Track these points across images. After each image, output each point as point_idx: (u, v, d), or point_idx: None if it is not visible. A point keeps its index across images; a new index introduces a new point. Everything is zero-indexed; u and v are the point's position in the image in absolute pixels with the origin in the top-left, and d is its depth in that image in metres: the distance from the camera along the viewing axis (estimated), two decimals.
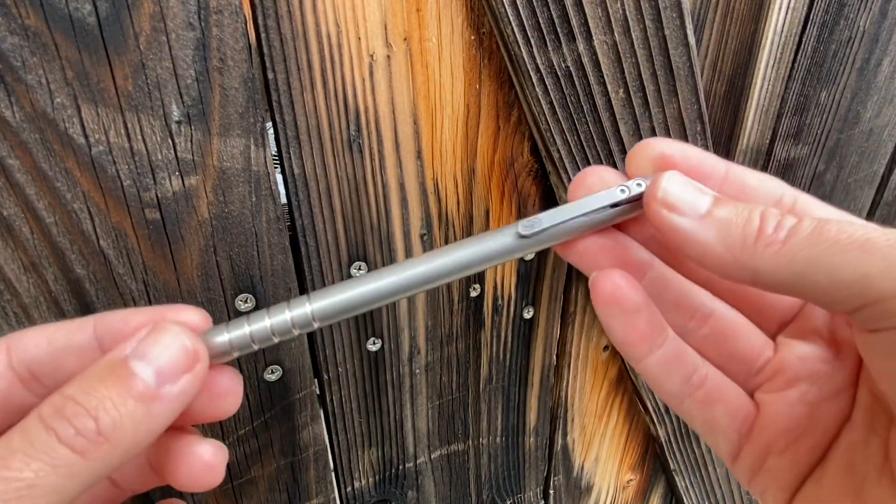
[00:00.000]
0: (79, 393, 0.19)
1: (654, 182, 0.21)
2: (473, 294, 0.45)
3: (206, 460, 0.23)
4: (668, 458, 0.60)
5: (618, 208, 0.23)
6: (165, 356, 0.20)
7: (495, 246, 0.23)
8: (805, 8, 0.43)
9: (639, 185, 0.22)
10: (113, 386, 0.19)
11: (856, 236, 0.18)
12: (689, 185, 0.21)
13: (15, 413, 0.22)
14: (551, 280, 0.47)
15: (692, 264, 0.25)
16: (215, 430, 0.39)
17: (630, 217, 0.23)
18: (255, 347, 0.23)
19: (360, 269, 0.39)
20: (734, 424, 0.24)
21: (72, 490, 0.18)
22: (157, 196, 0.31)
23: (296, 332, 0.23)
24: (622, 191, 0.22)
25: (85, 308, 0.32)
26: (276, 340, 0.23)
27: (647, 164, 0.23)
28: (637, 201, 0.23)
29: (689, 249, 0.21)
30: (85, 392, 0.19)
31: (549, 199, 0.43)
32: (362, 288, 0.23)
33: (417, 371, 0.46)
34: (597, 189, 0.23)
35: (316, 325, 0.23)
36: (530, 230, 0.23)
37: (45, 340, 0.22)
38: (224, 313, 0.36)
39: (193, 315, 0.22)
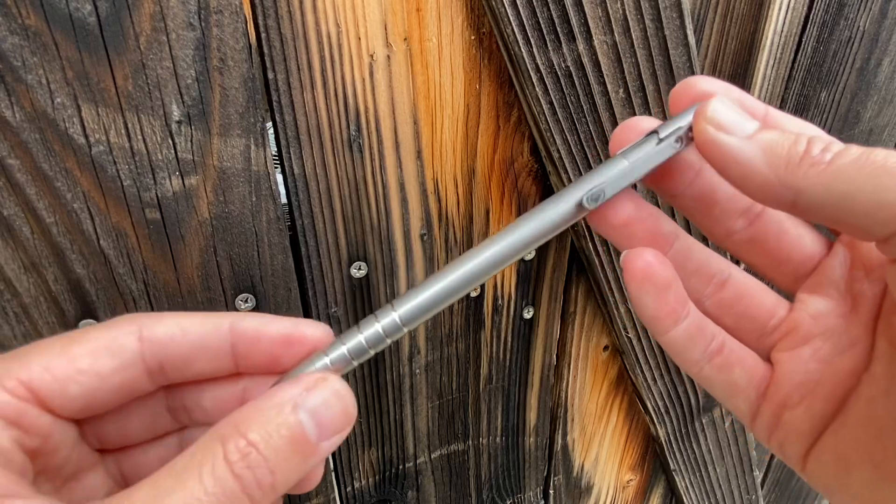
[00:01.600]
0: (261, 442, 0.20)
1: (705, 103, 0.21)
2: (473, 294, 0.45)
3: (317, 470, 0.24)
4: (668, 458, 0.60)
5: (664, 157, 0.23)
6: (328, 413, 0.21)
7: (556, 219, 0.23)
8: (805, 8, 0.43)
9: (689, 128, 0.22)
10: (287, 439, 0.20)
11: None
12: (737, 108, 0.21)
13: (129, 397, 0.22)
14: (551, 280, 0.47)
15: (726, 201, 0.25)
16: None
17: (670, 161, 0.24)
18: (355, 363, 0.23)
19: (360, 268, 0.39)
20: (752, 383, 0.25)
21: None
22: (157, 196, 0.31)
23: (388, 341, 0.23)
24: (678, 141, 0.22)
25: (85, 308, 0.32)
26: (371, 353, 0.23)
27: (689, 102, 0.23)
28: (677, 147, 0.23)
29: (733, 168, 0.21)
30: (266, 441, 0.20)
31: None
32: (442, 284, 0.23)
33: (417, 371, 0.46)
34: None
35: (405, 330, 0.23)
36: (595, 203, 0.23)
37: (179, 333, 0.22)
38: None
39: (323, 332, 0.24)
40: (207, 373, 0.23)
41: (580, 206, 0.23)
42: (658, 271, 0.23)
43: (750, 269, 0.27)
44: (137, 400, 0.24)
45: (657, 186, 0.26)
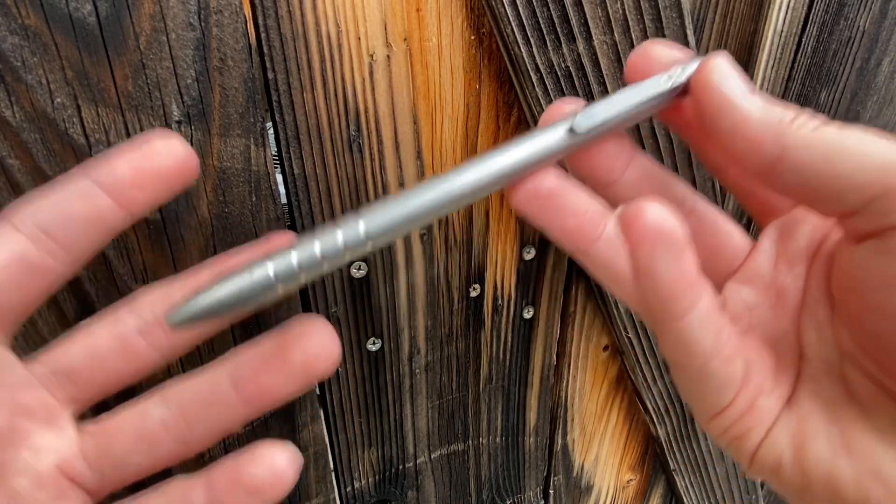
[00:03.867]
0: None
1: (711, 55, 0.22)
2: (473, 294, 0.45)
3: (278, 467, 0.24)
4: (668, 458, 0.60)
5: (661, 97, 0.22)
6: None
7: (545, 146, 0.22)
8: (805, 8, 0.43)
9: (683, 69, 0.22)
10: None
11: (883, 138, 0.19)
12: (739, 69, 0.22)
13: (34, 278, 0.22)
14: (551, 280, 0.47)
15: (661, 190, 0.26)
16: None
17: (666, 105, 0.23)
18: (303, 279, 0.20)
19: (360, 268, 0.39)
20: (742, 373, 0.25)
21: None
22: None
23: (347, 258, 0.21)
24: (668, 77, 0.22)
25: (85, 308, 0.32)
26: (325, 268, 0.20)
27: (647, 65, 0.24)
28: (675, 93, 0.23)
29: (728, 116, 0.21)
30: None
31: None
32: (418, 198, 0.21)
33: (417, 371, 0.46)
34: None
35: (369, 247, 0.21)
36: (588, 123, 0.22)
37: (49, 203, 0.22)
38: None
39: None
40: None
41: (571, 131, 0.22)
42: (673, 227, 0.21)
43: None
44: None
45: (591, 176, 0.25)
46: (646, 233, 0.20)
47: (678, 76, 0.22)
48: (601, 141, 0.24)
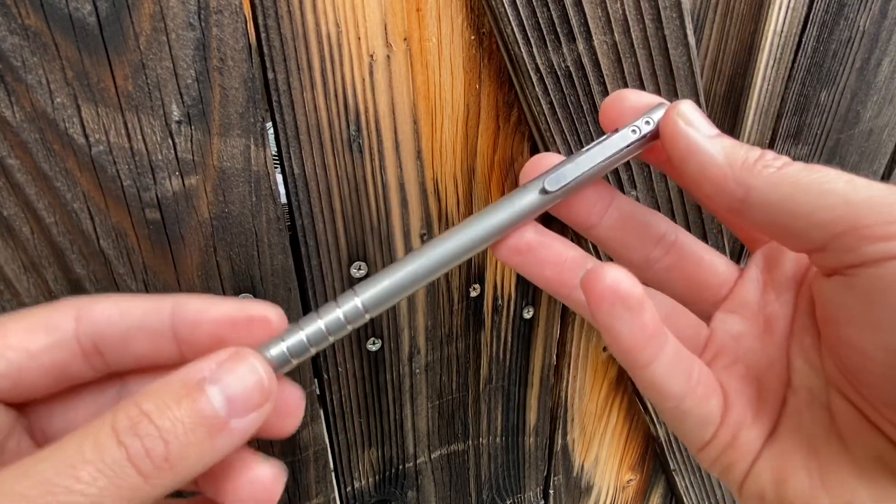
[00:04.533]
0: (154, 411, 0.18)
1: (676, 102, 0.23)
2: (473, 294, 0.45)
3: (264, 483, 0.22)
4: (668, 458, 0.60)
5: (630, 148, 0.24)
6: (240, 389, 0.20)
7: (523, 207, 0.23)
8: (805, 8, 0.43)
9: (647, 122, 0.23)
10: (188, 410, 0.19)
11: (843, 174, 0.20)
12: (702, 115, 0.23)
13: (65, 382, 0.22)
14: None
15: (641, 228, 0.26)
16: None
17: (638, 152, 0.24)
18: (313, 351, 0.22)
19: (360, 268, 0.39)
20: (720, 410, 0.25)
21: None
22: (157, 196, 0.31)
23: (349, 328, 0.22)
24: (633, 131, 0.23)
25: None
26: (331, 340, 0.22)
27: (620, 113, 0.25)
28: (643, 143, 0.24)
29: (694, 158, 0.22)
30: (160, 411, 0.18)
31: None
32: (405, 270, 0.23)
33: (417, 371, 0.46)
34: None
35: (367, 317, 0.22)
36: (557, 185, 0.23)
37: (117, 314, 0.21)
38: None
39: (274, 314, 0.22)
40: (148, 356, 0.22)
41: (543, 191, 0.23)
42: (628, 288, 0.20)
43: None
44: (84, 391, 0.23)
45: (572, 220, 0.26)
46: (604, 296, 0.21)
47: (643, 127, 0.23)
48: (579, 192, 0.25)
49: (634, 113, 0.24)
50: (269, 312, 0.22)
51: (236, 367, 0.20)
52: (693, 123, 0.22)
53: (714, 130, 0.23)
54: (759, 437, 0.24)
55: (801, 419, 0.23)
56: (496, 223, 0.23)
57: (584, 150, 0.24)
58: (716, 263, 0.27)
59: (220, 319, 0.22)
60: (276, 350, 0.22)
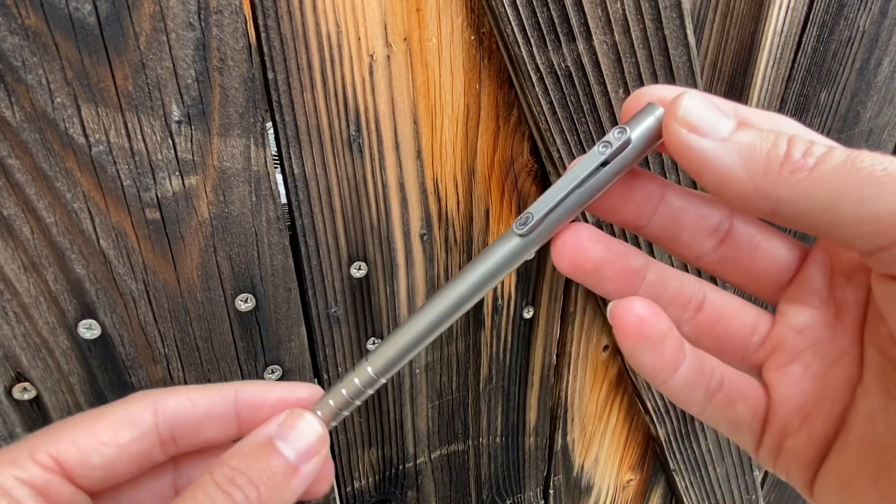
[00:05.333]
0: (242, 465, 0.23)
1: (675, 100, 0.20)
2: None
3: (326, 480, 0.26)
4: (668, 458, 0.60)
5: (613, 168, 0.21)
6: (304, 440, 0.24)
7: (504, 255, 0.23)
8: (805, 8, 0.43)
9: (621, 131, 0.20)
10: (266, 461, 0.23)
11: (891, 170, 0.17)
12: (711, 104, 0.20)
13: (145, 469, 0.25)
14: (551, 280, 0.47)
15: (693, 224, 0.24)
16: None
17: (625, 172, 0.22)
18: (345, 413, 0.26)
19: (359, 268, 0.39)
20: (757, 416, 0.24)
21: None
22: (157, 196, 0.31)
23: (370, 391, 0.26)
24: (604, 146, 0.20)
25: (85, 308, 0.32)
26: (357, 403, 0.26)
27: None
28: (632, 155, 0.21)
29: (708, 174, 0.19)
30: (247, 464, 0.23)
31: None
32: (409, 335, 0.25)
33: (417, 371, 0.46)
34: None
35: (383, 380, 0.26)
36: (525, 227, 0.22)
37: (190, 404, 0.25)
38: (224, 313, 0.36)
39: (315, 392, 0.27)
40: (215, 440, 0.26)
41: (515, 234, 0.22)
42: (653, 325, 0.21)
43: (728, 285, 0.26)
44: (148, 475, 0.26)
45: (620, 220, 0.25)
46: (629, 331, 0.22)
47: (613, 142, 0.20)
48: (625, 192, 0.23)
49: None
50: (313, 392, 0.27)
51: (296, 423, 0.25)
52: (698, 128, 0.19)
53: (727, 125, 0.19)
54: (813, 444, 0.22)
55: (872, 424, 0.21)
56: (482, 278, 0.24)
57: (552, 186, 0.22)
58: (775, 249, 0.24)
59: (276, 403, 0.26)
60: (322, 409, 0.25)
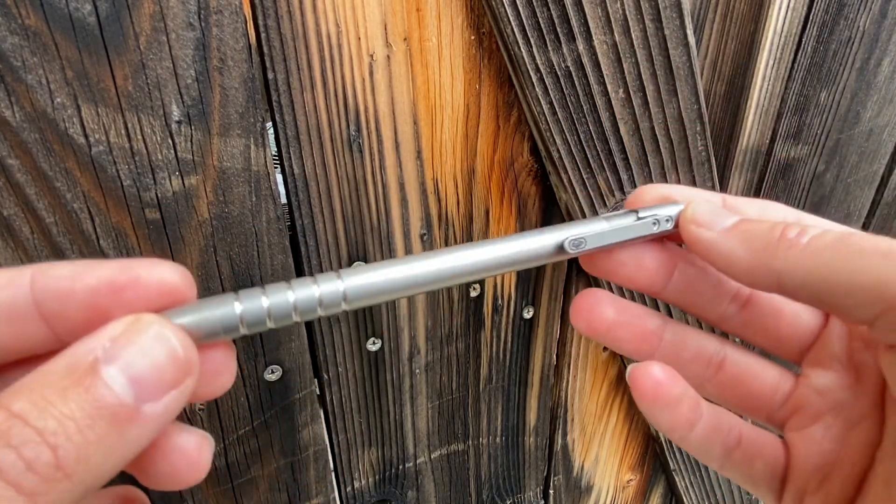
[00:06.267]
0: (30, 409, 0.14)
1: (686, 205, 0.24)
2: (473, 294, 0.45)
3: (189, 454, 0.18)
4: (668, 458, 0.60)
5: (638, 233, 0.24)
6: (148, 365, 0.16)
7: (536, 249, 0.23)
8: (805, 8, 0.43)
9: (667, 220, 0.24)
10: (78, 401, 0.14)
11: (880, 245, 0.18)
12: (715, 207, 0.23)
13: None
14: (551, 280, 0.47)
15: (712, 288, 0.26)
16: (215, 430, 0.39)
17: (653, 238, 0.25)
18: (270, 325, 0.18)
19: None
20: (776, 474, 0.25)
21: None
22: (157, 196, 0.31)
23: (320, 312, 0.19)
24: (654, 223, 0.24)
25: None
26: (296, 319, 0.19)
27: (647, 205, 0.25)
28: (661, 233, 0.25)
29: (715, 258, 0.22)
30: (40, 409, 0.14)
31: (549, 199, 0.43)
32: (400, 270, 0.20)
33: (417, 371, 0.46)
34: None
35: (343, 306, 0.19)
36: (576, 249, 0.24)
37: None
38: None
39: (170, 273, 0.17)
40: (13, 345, 0.17)
41: (561, 247, 0.23)
42: (668, 389, 0.23)
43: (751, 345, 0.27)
44: None
45: (637, 286, 0.26)
46: (645, 394, 0.23)
47: (664, 225, 0.24)
48: (633, 262, 0.25)
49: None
50: (165, 273, 0.17)
51: (138, 339, 0.16)
52: (704, 223, 0.23)
53: (730, 220, 0.22)
54: None
55: (889, 489, 0.21)
56: (504, 253, 0.23)
57: (605, 217, 0.24)
58: (798, 313, 0.25)
59: (98, 286, 0.16)
60: (193, 316, 0.17)
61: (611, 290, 0.45)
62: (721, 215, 0.23)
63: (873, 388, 0.23)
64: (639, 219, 0.24)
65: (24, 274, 0.17)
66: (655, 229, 0.24)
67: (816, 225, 0.22)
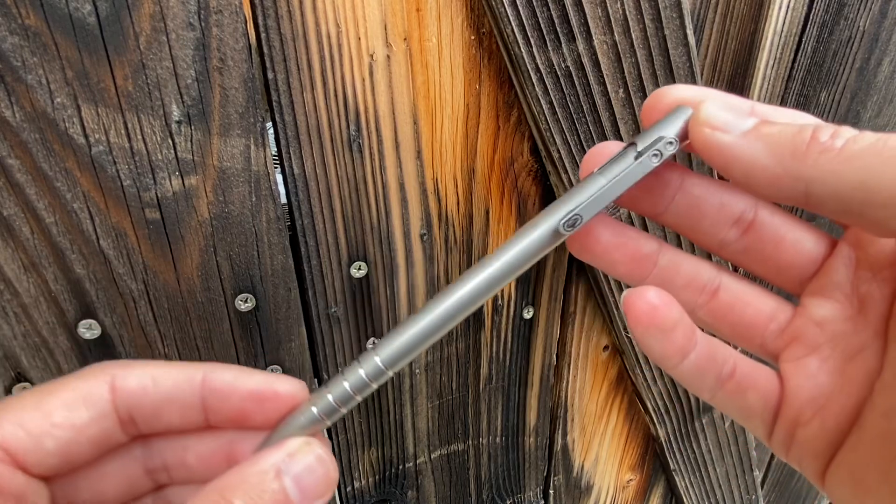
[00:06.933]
0: (244, 499, 0.20)
1: (698, 107, 0.21)
2: None
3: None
4: (668, 458, 0.60)
5: (652, 169, 0.22)
6: (312, 480, 0.21)
7: (534, 247, 0.23)
8: (805, 8, 0.43)
9: (670, 143, 0.21)
10: (271, 500, 0.20)
11: None
12: (732, 106, 0.20)
13: (105, 450, 0.22)
14: (551, 280, 0.47)
15: (714, 212, 0.24)
16: None
17: (648, 176, 0.23)
18: (343, 411, 0.23)
19: (360, 268, 0.39)
20: (768, 406, 0.24)
21: None
22: (157, 196, 0.31)
23: (374, 386, 0.23)
24: (655, 155, 0.21)
25: (85, 308, 0.32)
26: (359, 399, 0.23)
27: (664, 113, 0.22)
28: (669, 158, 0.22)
29: (733, 167, 0.20)
30: (250, 499, 0.20)
31: (549, 199, 0.43)
32: (423, 323, 0.23)
33: (417, 371, 0.46)
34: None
35: (390, 373, 0.23)
36: (572, 229, 0.22)
37: (150, 383, 0.22)
38: (224, 313, 0.36)
39: (296, 387, 0.23)
40: (177, 426, 0.23)
41: (557, 233, 0.22)
42: (663, 314, 0.22)
43: (749, 273, 0.26)
44: (112, 458, 0.23)
45: (636, 208, 0.25)
46: (640, 319, 0.22)
47: (653, 144, 0.21)
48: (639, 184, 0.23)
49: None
50: (294, 386, 0.23)
51: (307, 457, 0.22)
52: (720, 126, 0.20)
53: (748, 122, 0.20)
54: (825, 436, 0.22)
55: (888, 420, 0.20)
56: (506, 266, 0.23)
57: (600, 172, 0.22)
58: (801, 241, 0.24)
59: (247, 394, 0.23)
60: (306, 414, 0.23)
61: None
62: (739, 116, 0.20)
63: (876, 320, 0.22)
64: (638, 155, 0.21)
65: (197, 372, 0.22)
66: (657, 161, 0.21)
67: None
